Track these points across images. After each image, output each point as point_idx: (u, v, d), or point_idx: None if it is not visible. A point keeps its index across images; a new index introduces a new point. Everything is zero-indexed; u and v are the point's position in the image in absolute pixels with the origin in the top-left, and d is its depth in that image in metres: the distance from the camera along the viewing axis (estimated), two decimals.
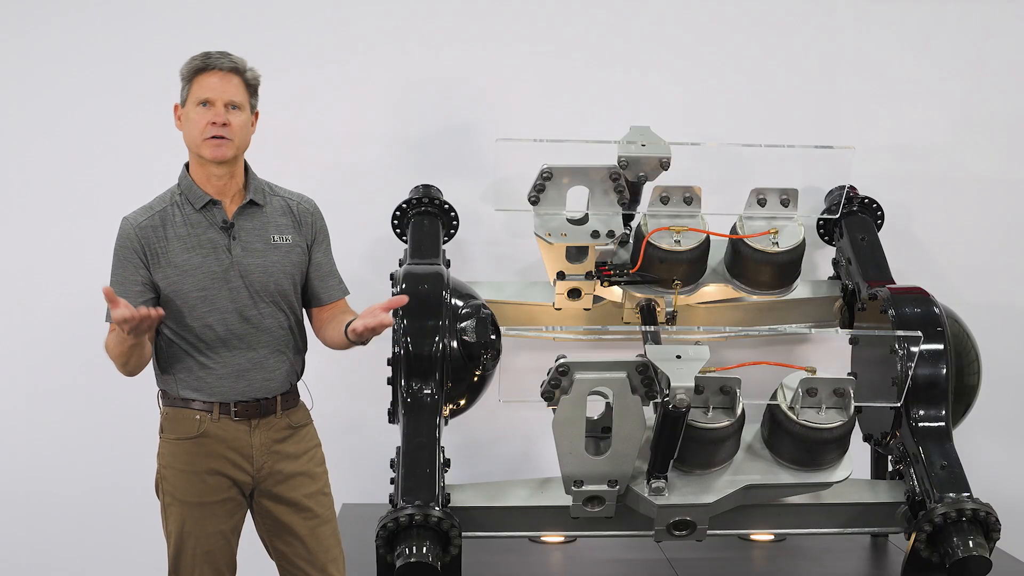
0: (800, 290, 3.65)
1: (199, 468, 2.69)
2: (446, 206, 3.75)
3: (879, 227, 3.88)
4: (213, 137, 2.65)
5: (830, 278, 3.88)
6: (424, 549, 2.84)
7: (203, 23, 3.94)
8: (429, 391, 3.11)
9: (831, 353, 3.94)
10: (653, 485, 2.99)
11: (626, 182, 3.21)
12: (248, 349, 2.71)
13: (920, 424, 3.21)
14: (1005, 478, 4.09)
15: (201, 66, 2.68)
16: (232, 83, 2.67)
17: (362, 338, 2.67)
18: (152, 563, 3.24)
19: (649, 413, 2.93)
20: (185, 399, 2.71)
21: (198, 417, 2.70)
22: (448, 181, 3.91)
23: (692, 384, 2.78)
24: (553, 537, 3.55)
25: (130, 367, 2.67)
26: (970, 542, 2.97)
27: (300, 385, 2.85)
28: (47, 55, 3.96)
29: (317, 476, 2.82)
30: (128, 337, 2.52)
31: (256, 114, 2.77)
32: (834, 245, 3.90)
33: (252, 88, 2.73)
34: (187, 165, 2.76)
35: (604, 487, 2.96)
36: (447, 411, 3.24)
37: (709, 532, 3.09)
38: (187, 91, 2.70)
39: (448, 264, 3.58)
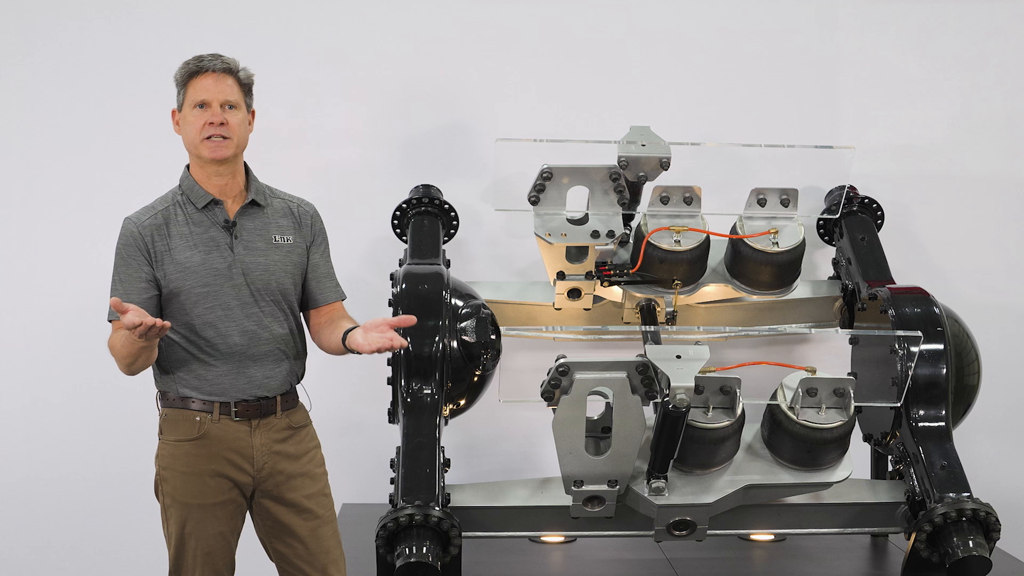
0: (800, 290, 3.65)
1: (200, 469, 2.69)
2: (446, 206, 3.75)
3: (879, 227, 3.88)
4: (211, 137, 2.67)
5: (830, 278, 3.87)
6: (424, 549, 2.84)
7: (201, 23, 3.95)
8: (429, 391, 3.11)
9: (831, 353, 3.94)
10: (653, 485, 2.99)
11: (626, 182, 3.21)
12: (249, 346, 2.71)
13: (920, 424, 3.21)
14: (1005, 478, 4.09)
15: (194, 69, 2.70)
16: (226, 83, 2.70)
17: (362, 351, 2.68)
18: (153, 564, 3.25)
19: (649, 413, 2.93)
20: (185, 399, 2.71)
21: (198, 418, 2.70)
22: (448, 181, 3.91)
23: (692, 384, 2.78)
24: (553, 537, 3.55)
25: (136, 367, 2.67)
26: (970, 542, 2.97)
27: (299, 388, 2.86)
28: (49, 55, 3.96)
29: (317, 477, 2.82)
30: (139, 340, 2.53)
31: (252, 113, 2.79)
32: (834, 245, 3.90)
33: (246, 87, 2.76)
34: (188, 166, 2.77)
35: (604, 487, 2.96)
36: (447, 411, 3.24)
37: (709, 532, 3.09)
38: (183, 95, 2.72)
39: (448, 264, 3.58)
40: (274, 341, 2.74)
